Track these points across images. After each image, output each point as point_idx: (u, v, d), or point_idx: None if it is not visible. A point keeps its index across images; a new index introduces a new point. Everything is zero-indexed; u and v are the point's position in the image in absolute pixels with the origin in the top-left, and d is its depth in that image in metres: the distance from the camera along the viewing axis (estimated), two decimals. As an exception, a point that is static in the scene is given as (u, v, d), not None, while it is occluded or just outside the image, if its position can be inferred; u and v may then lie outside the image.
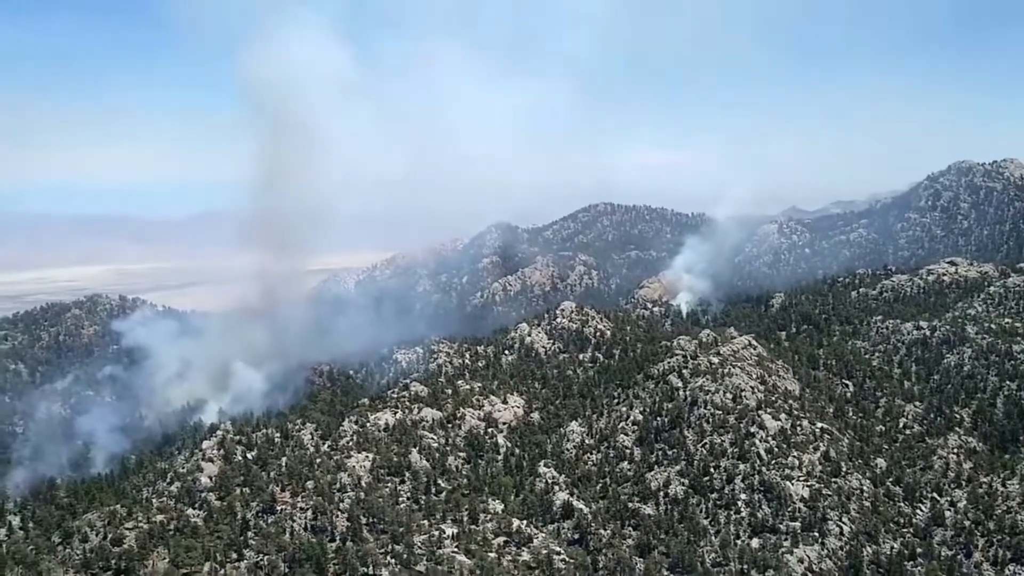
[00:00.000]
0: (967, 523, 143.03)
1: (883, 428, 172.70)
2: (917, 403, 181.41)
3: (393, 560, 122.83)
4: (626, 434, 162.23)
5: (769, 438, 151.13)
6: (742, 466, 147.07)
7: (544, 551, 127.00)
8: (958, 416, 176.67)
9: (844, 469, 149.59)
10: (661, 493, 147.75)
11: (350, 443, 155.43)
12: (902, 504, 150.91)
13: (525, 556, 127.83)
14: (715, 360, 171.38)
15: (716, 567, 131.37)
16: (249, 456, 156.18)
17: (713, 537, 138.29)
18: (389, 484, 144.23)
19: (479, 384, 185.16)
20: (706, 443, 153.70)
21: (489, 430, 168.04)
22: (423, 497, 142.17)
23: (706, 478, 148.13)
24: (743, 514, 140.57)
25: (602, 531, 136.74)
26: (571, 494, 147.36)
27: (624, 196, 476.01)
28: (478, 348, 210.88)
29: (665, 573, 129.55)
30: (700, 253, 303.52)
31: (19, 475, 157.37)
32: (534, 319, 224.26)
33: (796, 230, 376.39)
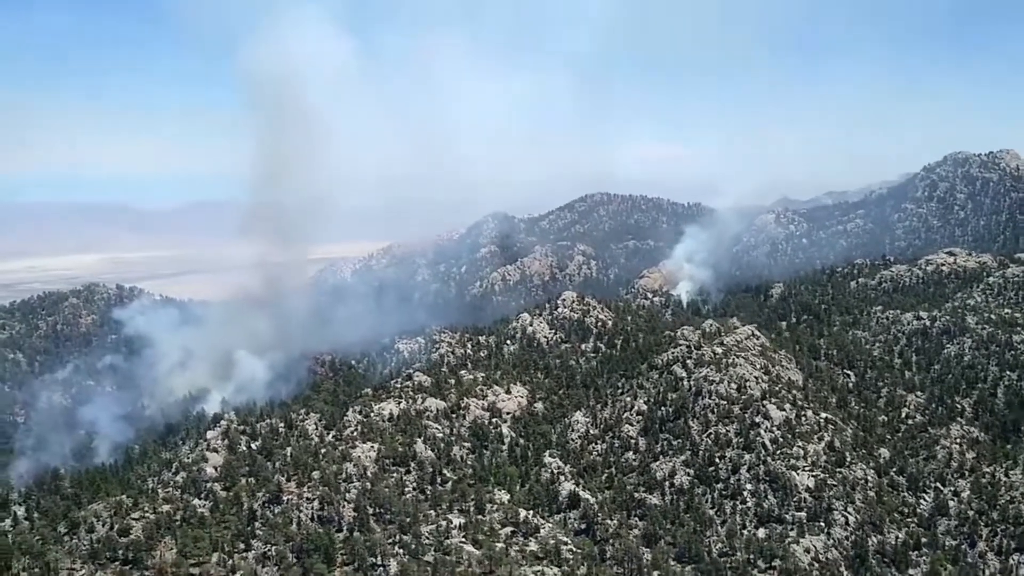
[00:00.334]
0: (971, 513, 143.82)
1: (885, 418, 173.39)
2: (918, 393, 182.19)
3: (401, 551, 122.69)
4: (631, 424, 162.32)
5: (774, 428, 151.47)
6: (747, 456, 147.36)
7: (552, 541, 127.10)
8: (959, 406, 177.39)
9: (848, 459, 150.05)
10: (667, 483, 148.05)
11: (355, 433, 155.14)
12: (906, 494, 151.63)
13: (532, 546, 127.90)
14: (719, 350, 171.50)
15: (723, 557, 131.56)
16: (253, 446, 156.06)
17: (719, 527, 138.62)
18: (395, 474, 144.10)
19: (482, 374, 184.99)
20: (711, 433, 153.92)
21: (493, 420, 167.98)
22: (429, 487, 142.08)
23: (711, 468, 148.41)
24: (749, 504, 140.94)
25: (609, 521, 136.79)
26: (577, 484, 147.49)
27: (620, 187, 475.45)
28: (480, 338, 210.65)
29: (672, 563, 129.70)
30: (700, 243, 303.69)
31: (22, 465, 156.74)
32: (535, 309, 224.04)
33: (793, 220, 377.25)
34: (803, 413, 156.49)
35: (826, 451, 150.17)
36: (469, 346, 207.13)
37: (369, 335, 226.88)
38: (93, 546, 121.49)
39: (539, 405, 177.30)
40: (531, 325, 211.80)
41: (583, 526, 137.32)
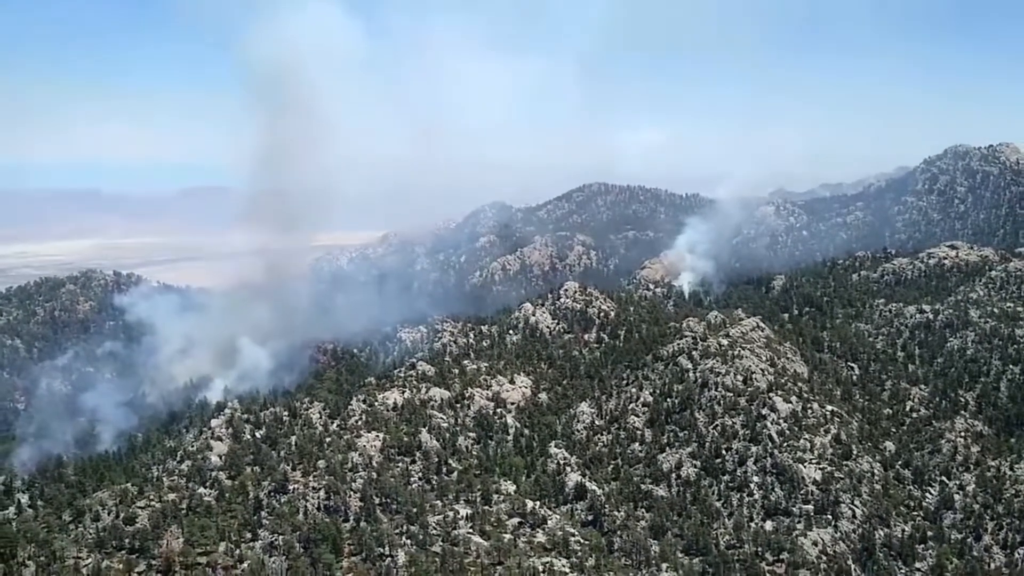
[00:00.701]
0: (976, 506, 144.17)
1: (890, 411, 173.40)
2: (922, 386, 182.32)
3: (409, 541, 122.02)
4: (636, 415, 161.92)
5: (781, 420, 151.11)
6: (754, 448, 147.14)
7: (560, 532, 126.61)
8: (963, 400, 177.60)
9: (855, 452, 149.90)
10: (673, 475, 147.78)
11: (359, 422, 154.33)
12: (912, 487, 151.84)
13: (540, 537, 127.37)
14: (724, 342, 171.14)
15: (730, 549, 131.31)
16: (258, 435, 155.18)
17: (726, 519, 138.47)
18: (400, 464, 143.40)
19: (485, 364, 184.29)
20: (717, 425, 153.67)
21: (498, 410, 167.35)
22: (435, 477, 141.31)
23: (718, 460, 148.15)
24: (756, 496, 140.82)
25: (616, 512, 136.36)
26: (583, 475, 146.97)
27: (617, 176, 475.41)
28: (482, 327, 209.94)
29: (680, 555, 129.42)
30: (701, 234, 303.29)
31: (25, 452, 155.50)
32: (538, 299, 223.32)
33: (793, 212, 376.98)
34: (809, 406, 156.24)
35: (832, 444, 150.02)
36: (471, 336, 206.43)
37: (370, 324, 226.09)
38: (99, 535, 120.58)
39: (543, 395, 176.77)
40: (534, 315, 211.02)
41: (590, 517, 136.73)
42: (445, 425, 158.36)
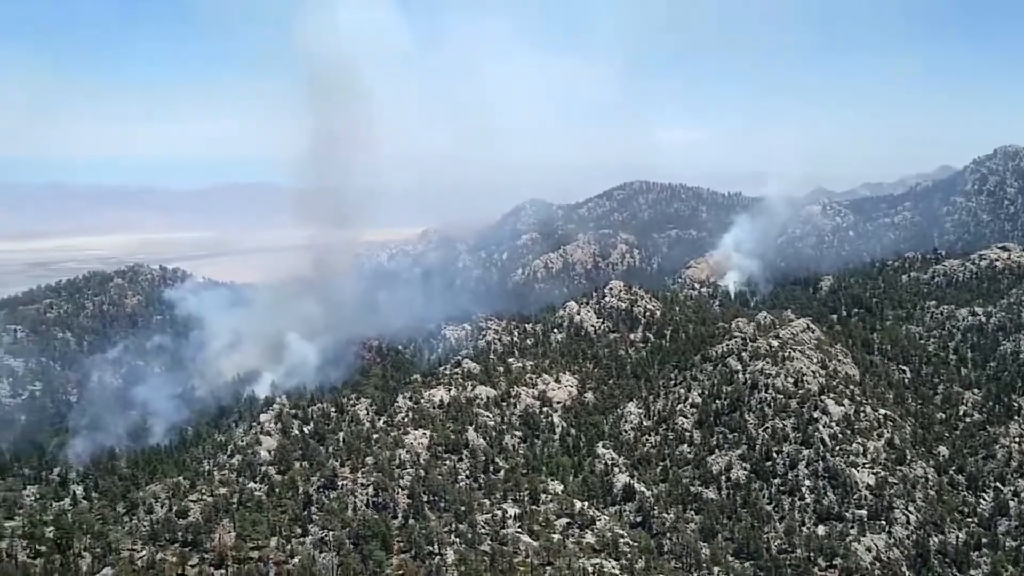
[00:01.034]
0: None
1: (943, 415, 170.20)
2: (975, 390, 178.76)
3: (457, 539, 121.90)
4: (685, 416, 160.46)
5: (833, 424, 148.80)
6: (806, 452, 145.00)
7: (609, 534, 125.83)
8: (1017, 404, 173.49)
9: (908, 457, 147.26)
10: (723, 477, 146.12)
11: (406, 419, 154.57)
12: (966, 493, 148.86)
13: (589, 538, 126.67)
14: (774, 343, 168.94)
15: (782, 554, 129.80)
16: (306, 430, 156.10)
17: (778, 523, 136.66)
18: (447, 462, 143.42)
19: (530, 362, 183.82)
20: (768, 427, 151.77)
21: (544, 409, 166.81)
22: (482, 476, 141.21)
23: (768, 463, 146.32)
24: (808, 501, 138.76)
25: (665, 514, 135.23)
26: (631, 476, 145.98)
27: (657, 174, 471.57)
28: (526, 326, 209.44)
29: (730, 559, 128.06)
30: (747, 233, 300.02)
31: (78, 444, 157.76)
32: (582, 297, 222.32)
33: (840, 211, 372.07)
34: (862, 409, 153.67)
35: (886, 448, 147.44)
36: (516, 334, 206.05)
37: (414, 321, 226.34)
38: (153, 527, 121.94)
39: (589, 395, 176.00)
40: (578, 314, 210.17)
41: (639, 519, 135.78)
42: (492, 423, 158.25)
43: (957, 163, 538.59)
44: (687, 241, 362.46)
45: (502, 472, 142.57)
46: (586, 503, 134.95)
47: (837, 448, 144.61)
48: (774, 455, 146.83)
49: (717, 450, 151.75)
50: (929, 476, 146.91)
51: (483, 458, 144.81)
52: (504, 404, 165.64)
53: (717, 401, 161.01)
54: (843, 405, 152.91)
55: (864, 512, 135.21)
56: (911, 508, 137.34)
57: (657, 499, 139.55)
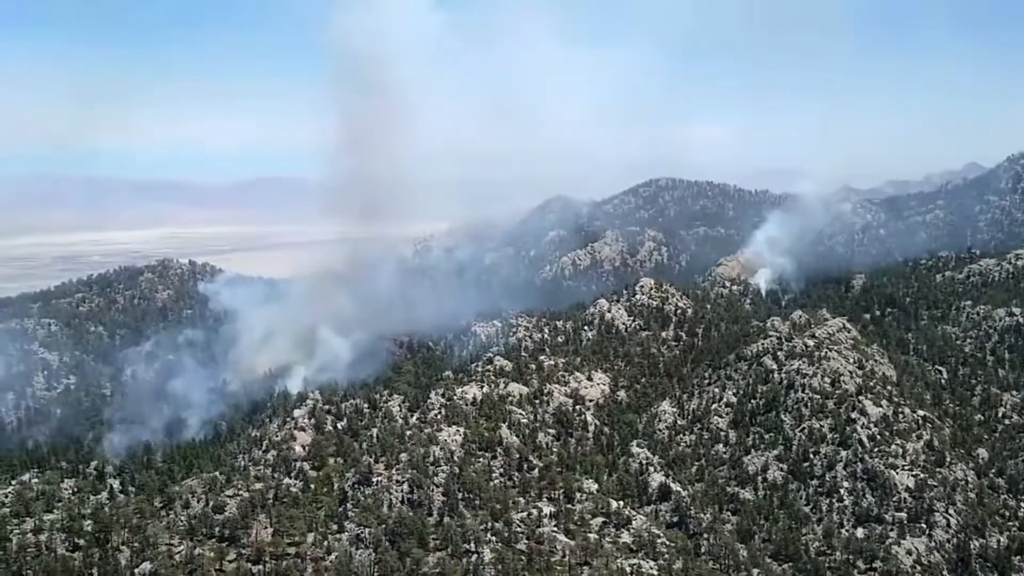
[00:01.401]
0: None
1: (982, 417, 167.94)
2: (1014, 392, 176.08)
3: (494, 538, 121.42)
4: (720, 416, 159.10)
5: (871, 425, 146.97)
6: (843, 453, 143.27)
7: (646, 534, 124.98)
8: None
9: (948, 459, 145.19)
10: (759, 478, 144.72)
11: (439, 416, 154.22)
12: (1006, 496, 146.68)
13: (625, 538, 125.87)
14: (810, 343, 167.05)
15: (821, 556, 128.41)
16: (339, 426, 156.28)
17: (815, 525, 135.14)
18: (481, 459, 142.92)
19: (562, 360, 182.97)
20: (804, 428, 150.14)
21: (577, 407, 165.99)
22: (516, 474, 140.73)
23: (805, 464, 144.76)
24: (846, 502, 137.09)
25: (702, 515, 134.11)
26: (667, 476, 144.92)
27: (682, 170, 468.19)
28: (557, 323, 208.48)
29: (768, 560, 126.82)
30: (778, 230, 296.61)
31: (114, 438, 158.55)
32: (613, 295, 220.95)
33: (870, 209, 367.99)
34: (900, 410, 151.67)
35: (925, 450, 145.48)
36: (546, 331, 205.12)
37: (443, 317, 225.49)
38: (190, 522, 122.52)
39: (622, 393, 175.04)
40: (609, 311, 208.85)
41: (675, 519, 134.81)
42: (525, 421, 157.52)
43: (984, 160, 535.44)
44: (715, 239, 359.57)
45: (536, 470, 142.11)
46: (621, 502, 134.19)
47: (876, 449, 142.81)
48: (811, 456, 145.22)
49: (753, 450, 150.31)
50: (969, 479, 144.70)
51: (517, 456, 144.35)
52: (537, 402, 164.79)
53: (752, 401, 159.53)
54: (881, 406, 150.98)
55: (904, 515, 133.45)
56: (951, 511, 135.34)
57: (693, 499, 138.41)
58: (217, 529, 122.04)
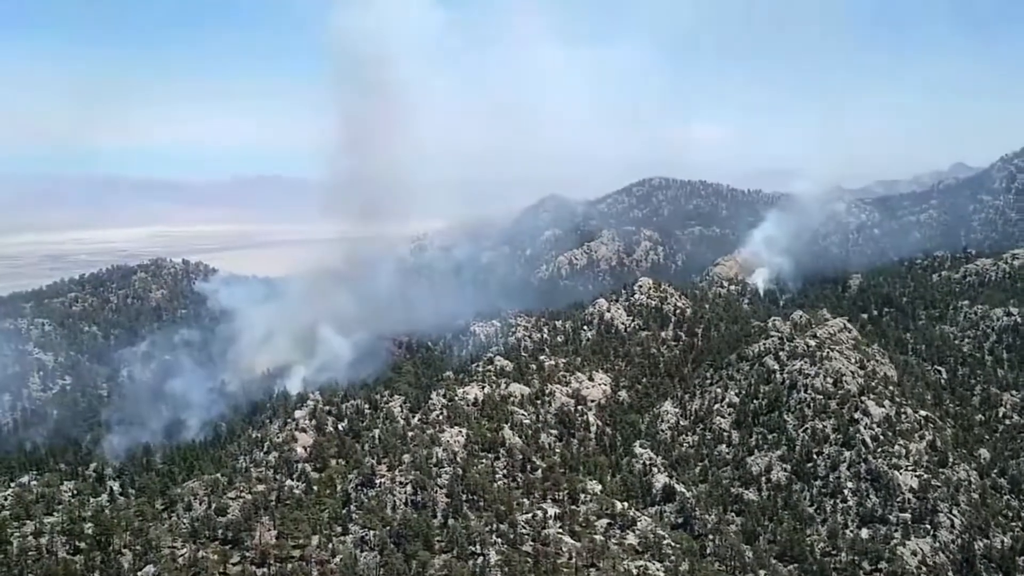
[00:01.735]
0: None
1: (982, 417, 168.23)
2: (1014, 392, 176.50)
3: (499, 540, 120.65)
4: (722, 416, 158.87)
5: (874, 425, 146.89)
6: (847, 453, 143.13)
7: (652, 535, 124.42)
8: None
9: (951, 459, 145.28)
10: (763, 478, 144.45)
11: (440, 417, 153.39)
12: (1009, 496, 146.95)
13: (631, 539, 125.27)
14: (811, 343, 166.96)
15: (826, 557, 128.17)
16: (340, 427, 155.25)
17: (820, 526, 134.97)
18: (484, 460, 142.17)
19: (562, 360, 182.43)
20: (807, 428, 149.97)
21: (579, 408, 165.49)
22: (519, 475, 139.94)
23: (809, 464, 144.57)
24: (850, 503, 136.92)
25: (707, 516, 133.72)
26: (670, 477, 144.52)
27: (677, 170, 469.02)
28: (556, 323, 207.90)
29: (774, 561, 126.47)
30: (779, 229, 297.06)
31: (112, 440, 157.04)
32: (611, 294, 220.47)
33: (864, 209, 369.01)
34: (902, 410, 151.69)
35: (928, 450, 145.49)
36: (546, 331, 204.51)
37: (441, 316, 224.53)
38: (193, 525, 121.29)
39: (623, 393, 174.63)
40: (608, 311, 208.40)
41: (680, 520, 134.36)
42: (527, 422, 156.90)
43: (971, 161, 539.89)
44: (710, 238, 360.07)
45: (539, 471, 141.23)
46: (626, 503, 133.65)
47: (879, 450, 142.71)
48: (815, 456, 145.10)
49: (756, 451, 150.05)
50: (972, 479, 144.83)
51: (520, 457, 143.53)
52: (539, 402, 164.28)
53: (755, 401, 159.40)
54: (883, 406, 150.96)
55: (908, 515, 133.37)
56: (955, 512, 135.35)
57: (698, 500, 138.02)
58: (220, 532, 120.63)
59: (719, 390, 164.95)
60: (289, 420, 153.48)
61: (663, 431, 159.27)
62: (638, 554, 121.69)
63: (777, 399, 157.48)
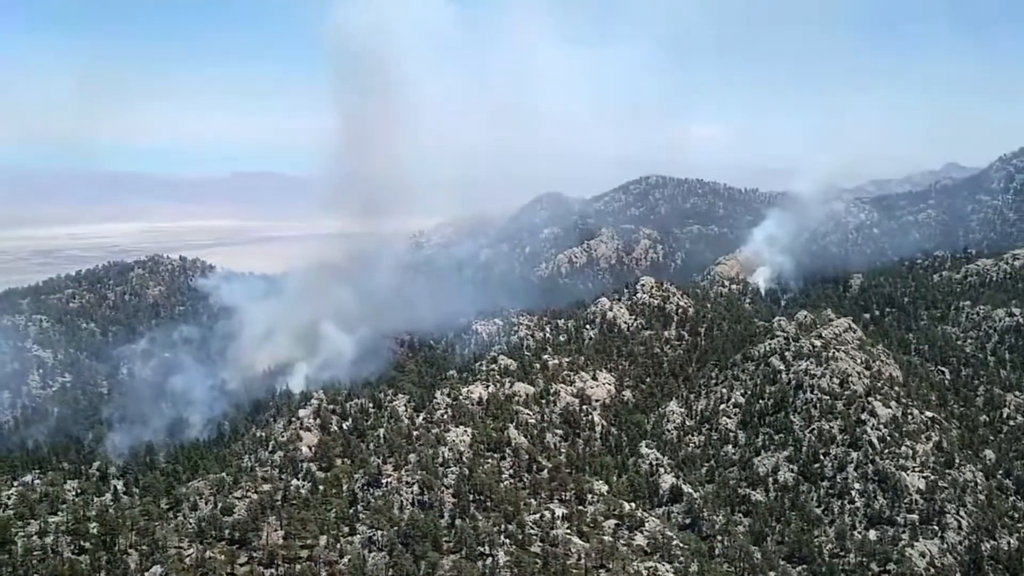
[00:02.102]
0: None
1: (987, 418, 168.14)
2: (1017, 392, 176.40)
3: (508, 540, 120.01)
4: (728, 417, 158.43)
5: (881, 426, 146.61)
6: (854, 454, 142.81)
7: (661, 536, 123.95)
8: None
9: (957, 460, 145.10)
10: (770, 479, 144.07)
11: (445, 416, 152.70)
12: (1015, 498, 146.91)
13: (639, 540, 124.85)
14: (817, 343, 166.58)
15: (834, 558, 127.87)
16: (344, 426, 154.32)
17: (828, 527, 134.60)
18: (490, 460, 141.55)
19: (567, 359, 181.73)
20: (814, 429, 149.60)
21: (583, 407, 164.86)
22: (526, 475, 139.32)
23: (816, 465, 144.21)
24: (858, 504, 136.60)
25: (715, 516, 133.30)
26: (677, 477, 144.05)
27: (673, 168, 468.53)
28: (558, 321, 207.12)
29: (782, 563, 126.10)
30: (781, 228, 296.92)
31: (114, 438, 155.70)
32: (614, 293, 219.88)
33: (863, 208, 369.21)
34: (909, 411, 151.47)
35: (934, 451, 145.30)
36: (548, 329, 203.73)
37: (442, 314, 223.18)
38: (199, 524, 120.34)
39: (628, 393, 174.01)
40: (611, 310, 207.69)
41: (687, 521, 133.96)
42: (532, 421, 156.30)
43: (964, 161, 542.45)
44: (709, 237, 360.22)
45: (545, 471, 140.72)
46: (633, 504, 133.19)
47: (886, 451, 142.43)
48: (822, 457, 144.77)
49: (763, 451, 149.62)
50: (978, 480, 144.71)
51: (526, 457, 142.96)
52: (543, 401, 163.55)
53: (761, 401, 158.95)
54: (890, 407, 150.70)
55: (916, 517, 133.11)
56: (962, 513, 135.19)
57: (705, 501, 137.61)
58: (227, 532, 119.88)
59: (724, 390, 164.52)
60: (293, 419, 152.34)
61: (669, 431, 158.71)
62: (647, 555, 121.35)
63: (783, 399, 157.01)
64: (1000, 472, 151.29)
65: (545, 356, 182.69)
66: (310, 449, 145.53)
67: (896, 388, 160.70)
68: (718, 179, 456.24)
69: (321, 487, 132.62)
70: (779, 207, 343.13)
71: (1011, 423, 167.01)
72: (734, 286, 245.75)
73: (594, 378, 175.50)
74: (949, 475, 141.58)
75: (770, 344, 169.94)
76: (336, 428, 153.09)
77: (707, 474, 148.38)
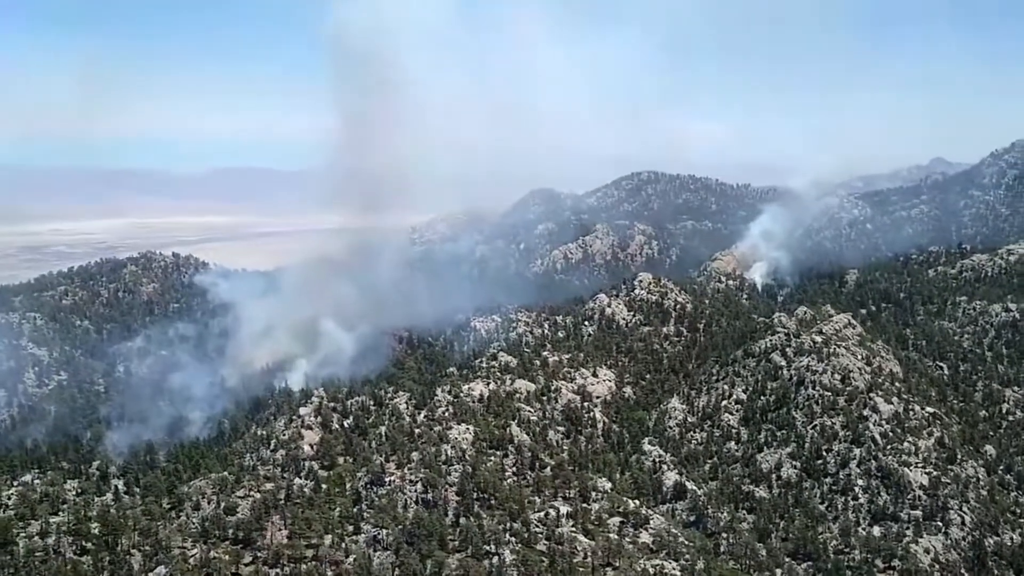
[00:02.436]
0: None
1: (986, 413, 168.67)
2: (1015, 387, 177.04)
3: (513, 538, 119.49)
4: (730, 413, 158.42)
5: (883, 422, 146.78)
6: (857, 450, 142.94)
7: (665, 533, 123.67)
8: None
9: (959, 456, 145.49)
10: (773, 476, 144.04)
11: (446, 414, 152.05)
12: (1016, 493, 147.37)
13: (644, 538, 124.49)
14: (818, 339, 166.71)
15: (838, 555, 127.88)
16: (346, 424, 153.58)
17: (832, 523, 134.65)
18: (492, 457, 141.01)
19: (567, 356, 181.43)
20: (816, 425, 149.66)
21: (585, 404, 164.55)
22: (529, 472, 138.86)
23: (819, 461, 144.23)
24: (861, 500, 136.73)
25: (719, 513, 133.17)
26: (680, 474, 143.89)
27: (666, 164, 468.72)
28: (557, 318, 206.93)
29: (787, 559, 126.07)
30: (778, 224, 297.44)
31: (115, 437, 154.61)
32: (611, 290, 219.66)
33: (857, 204, 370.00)
34: (910, 407, 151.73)
35: (936, 447, 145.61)
36: (547, 326, 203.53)
37: (439, 310, 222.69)
38: (202, 524, 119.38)
39: (628, 390, 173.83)
40: (609, 306, 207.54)
41: (692, 518, 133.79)
42: (534, 418, 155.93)
43: (951, 156, 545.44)
44: (703, 232, 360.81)
45: (548, 468, 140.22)
46: (637, 501, 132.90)
47: (888, 447, 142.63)
48: (824, 453, 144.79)
49: (766, 448, 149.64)
50: (980, 476, 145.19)
51: (529, 454, 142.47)
52: (545, 398, 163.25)
53: (762, 398, 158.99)
54: (892, 403, 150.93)
55: (919, 513, 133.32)
56: (965, 509, 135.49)
57: (709, 498, 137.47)
58: (231, 531, 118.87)
59: (726, 386, 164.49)
60: (295, 417, 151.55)
61: (671, 428, 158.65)
62: (653, 553, 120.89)
63: (785, 396, 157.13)
64: (1001, 468, 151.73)
65: (545, 353, 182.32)
66: (312, 447, 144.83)
67: (897, 384, 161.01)
68: (710, 174, 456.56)
69: (324, 486, 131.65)
70: (774, 202, 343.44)
71: (1010, 418, 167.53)
72: (731, 281, 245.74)
73: (594, 375, 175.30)
74: (951, 471, 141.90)
75: (771, 340, 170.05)
76: (337, 426, 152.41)
77: (710, 471, 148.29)
